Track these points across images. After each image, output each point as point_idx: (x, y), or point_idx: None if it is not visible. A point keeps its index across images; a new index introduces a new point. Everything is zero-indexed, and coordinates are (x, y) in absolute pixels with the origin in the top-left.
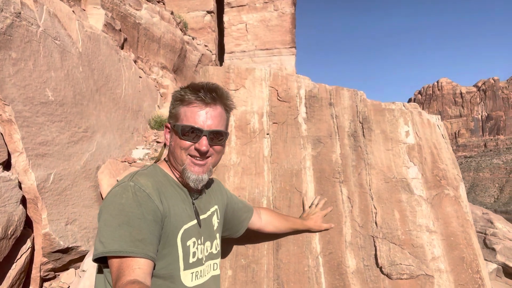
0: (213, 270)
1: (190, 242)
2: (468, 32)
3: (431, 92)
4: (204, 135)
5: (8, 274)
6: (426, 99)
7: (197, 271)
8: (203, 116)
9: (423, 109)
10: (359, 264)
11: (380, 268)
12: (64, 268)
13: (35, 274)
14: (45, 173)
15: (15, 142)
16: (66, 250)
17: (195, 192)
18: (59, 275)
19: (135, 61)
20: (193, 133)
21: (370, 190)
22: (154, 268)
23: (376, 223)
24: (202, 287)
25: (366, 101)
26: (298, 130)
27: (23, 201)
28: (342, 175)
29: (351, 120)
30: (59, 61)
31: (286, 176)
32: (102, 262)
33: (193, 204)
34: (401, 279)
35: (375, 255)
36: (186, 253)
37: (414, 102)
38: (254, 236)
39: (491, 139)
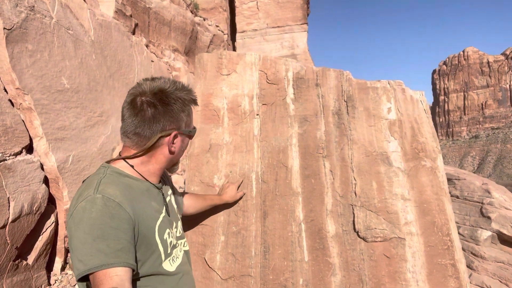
0: (184, 246)
1: (166, 235)
2: None
3: (456, 62)
4: None
5: (35, 245)
6: (452, 69)
7: (173, 256)
8: None
9: (448, 80)
10: (338, 229)
11: (357, 232)
12: None
13: (60, 246)
14: (64, 155)
15: (35, 128)
16: None
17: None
18: None
19: (146, 46)
20: None
21: (351, 163)
22: (138, 272)
23: (355, 193)
24: (181, 266)
25: (351, 81)
26: (286, 110)
27: (46, 181)
28: (326, 150)
29: (336, 99)
30: (72, 50)
31: (273, 152)
32: (86, 280)
33: (162, 193)
34: (376, 241)
35: (353, 221)
36: (165, 246)
37: (439, 73)
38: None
39: None
